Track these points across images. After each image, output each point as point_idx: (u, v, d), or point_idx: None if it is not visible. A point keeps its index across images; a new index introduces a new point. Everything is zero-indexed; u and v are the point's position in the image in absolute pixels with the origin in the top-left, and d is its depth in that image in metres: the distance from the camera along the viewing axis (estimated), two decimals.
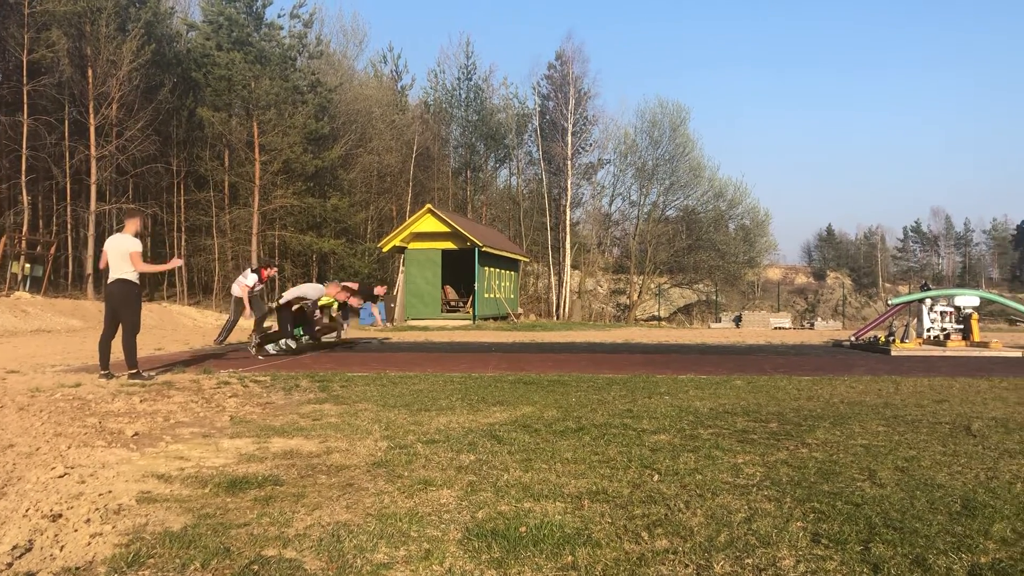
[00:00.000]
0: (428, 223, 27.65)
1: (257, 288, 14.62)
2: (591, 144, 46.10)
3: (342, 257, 35.80)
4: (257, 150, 33.11)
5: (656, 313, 44.94)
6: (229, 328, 14.68)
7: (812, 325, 33.24)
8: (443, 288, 28.82)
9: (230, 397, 7.47)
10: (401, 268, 28.43)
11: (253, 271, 15.10)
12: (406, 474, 4.32)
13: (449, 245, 27.49)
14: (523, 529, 3.31)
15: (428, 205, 28.75)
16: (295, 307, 13.12)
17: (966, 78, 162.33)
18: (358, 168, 39.12)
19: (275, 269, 15.88)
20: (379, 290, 16.00)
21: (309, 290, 13.39)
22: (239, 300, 14.71)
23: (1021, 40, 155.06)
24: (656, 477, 4.25)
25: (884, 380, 9.07)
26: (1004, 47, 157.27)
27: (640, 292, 47.19)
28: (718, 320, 34.24)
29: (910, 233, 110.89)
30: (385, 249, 29.21)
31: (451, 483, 4.11)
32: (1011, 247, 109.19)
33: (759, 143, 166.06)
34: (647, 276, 47.49)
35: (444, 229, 27.40)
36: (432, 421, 6.06)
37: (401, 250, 28.36)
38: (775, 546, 3.09)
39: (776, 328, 29.78)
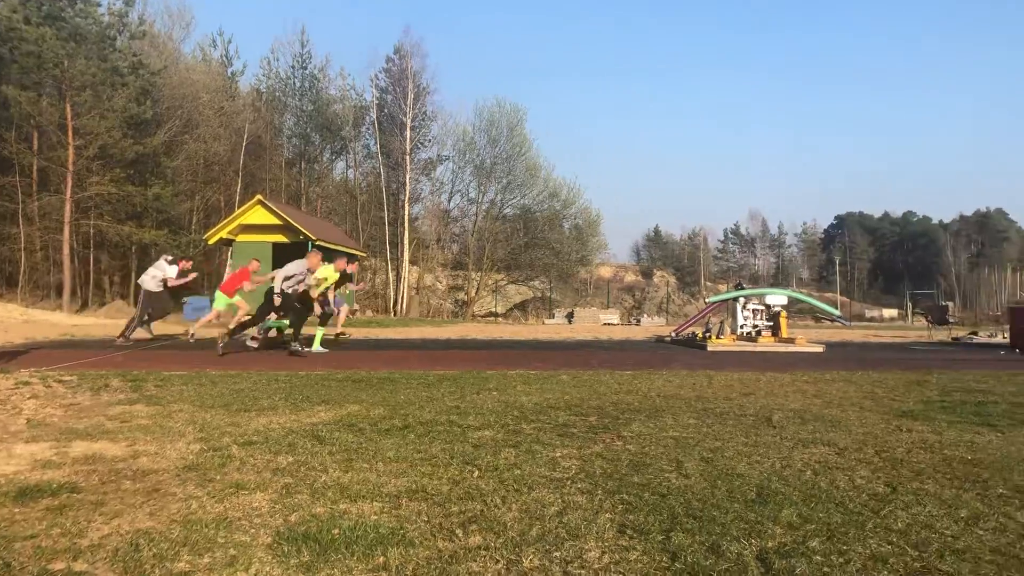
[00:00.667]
0: (258, 215, 26.72)
1: (177, 282, 13.80)
2: (430, 140, 46.07)
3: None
4: (71, 133, 30.86)
5: (493, 309, 45.56)
6: (137, 324, 13.82)
7: (639, 321, 34.65)
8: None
9: (29, 399, 6.93)
10: (229, 261, 27.33)
11: (170, 262, 14.28)
12: (218, 478, 4.15)
13: (280, 238, 26.68)
14: (336, 531, 3.25)
15: (258, 196, 27.77)
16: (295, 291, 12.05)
17: (778, 89, 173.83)
18: (183, 155, 37.24)
19: (190, 261, 14.97)
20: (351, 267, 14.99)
21: (296, 268, 12.17)
22: (152, 294, 13.80)
23: (831, 49, 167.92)
24: (476, 473, 4.29)
25: (699, 375, 9.57)
26: (816, 55, 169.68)
27: (478, 289, 47.62)
28: (552, 316, 35.09)
29: (730, 235, 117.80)
30: (211, 241, 27.98)
31: (265, 486, 3.98)
32: (819, 250, 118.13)
33: (592, 145, 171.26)
34: (485, 273, 47.98)
35: (275, 221, 26.57)
36: (251, 422, 5.85)
37: (229, 243, 27.26)
38: (583, 538, 3.18)
39: (605, 324, 30.85)
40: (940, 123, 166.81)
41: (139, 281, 14.36)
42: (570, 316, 33.81)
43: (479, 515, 3.51)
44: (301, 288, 12.12)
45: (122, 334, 13.64)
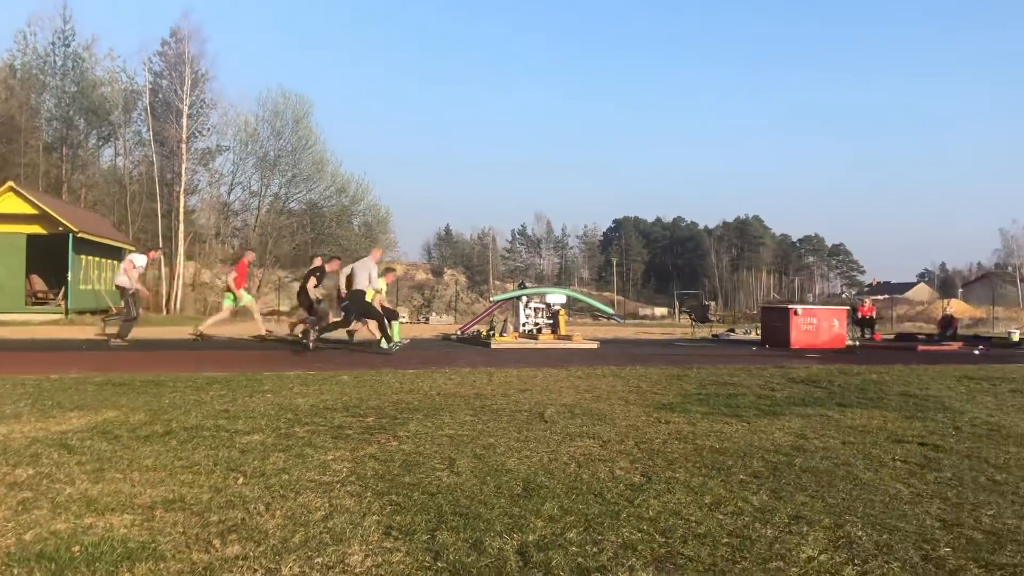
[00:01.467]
0: (10, 203, 24.26)
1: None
2: (209, 128, 43.75)
3: None
4: None
5: (277, 308, 44.07)
6: (131, 323, 14.00)
7: (427, 320, 34.80)
8: (28, 278, 25.48)
9: None
10: None
11: (141, 253, 14.41)
12: None
13: (37, 229, 24.37)
14: (77, 548, 3.00)
15: (10, 183, 25.21)
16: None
17: (554, 98, 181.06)
18: None
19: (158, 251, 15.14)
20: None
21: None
22: (134, 292, 13.89)
23: (608, 63, 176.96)
24: (241, 480, 4.11)
25: (481, 372, 9.74)
26: (593, 67, 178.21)
27: (260, 285, 45.87)
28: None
29: (517, 235, 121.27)
30: None
31: None
32: (598, 251, 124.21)
33: (384, 143, 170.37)
34: (268, 269, 46.32)
35: (31, 211, 24.25)
36: None
37: None
38: (347, 542, 3.13)
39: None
40: (707, 136, 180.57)
41: (119, 283, 14.18)
42: None
43: (240, 524, 3.36)
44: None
45: (118, 335, 13.79)
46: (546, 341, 15.60)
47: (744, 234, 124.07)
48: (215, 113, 43.95)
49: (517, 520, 3.39)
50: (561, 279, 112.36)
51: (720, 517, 3.47)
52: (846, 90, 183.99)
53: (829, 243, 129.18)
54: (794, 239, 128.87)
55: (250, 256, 15.27)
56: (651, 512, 3.53)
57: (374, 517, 3.45)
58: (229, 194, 47.56)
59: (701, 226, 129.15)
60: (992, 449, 5.20)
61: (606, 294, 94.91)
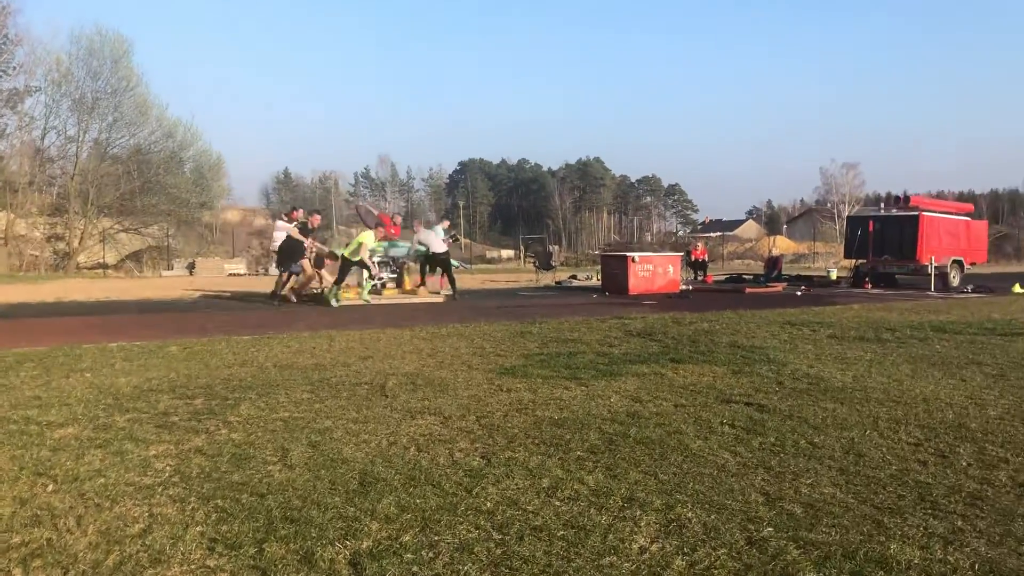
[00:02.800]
0: None
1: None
2: (15, 68, 39.97)
3: None
4: None
5: (102, 260, 41.37)
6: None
7: (267, 271, 33.62)
8: None
9: None
10: None
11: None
12: None
13: None
14: None
15: None
16: None
17: (398, 40, 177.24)
18: None
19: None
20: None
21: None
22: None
23: (450, 7, 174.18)
24: (51, 487, 3.77)
25: (321, 336, 9.46)
26: (433, 10, 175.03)
27: (83, 237, 42.85)
28: (170, 268, 32.72)
29: (361, 179, 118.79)
30: None
31: None
32: (444, 194, 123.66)
33: (210, 82, 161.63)
34: (91, 219, 43.25)
35: None
36: None
37: None
38: (167, 563, 2.91)
39: (231, 275, 29.49)
40: (553, 79, 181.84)
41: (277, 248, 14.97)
42: (191, 267, 31.76)
43: (46, 545, 3.08)
44: None
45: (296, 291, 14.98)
46: (391, 297, 15.38)
47: (586, 175, 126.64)
48: (21, 51, 40.16)
49: (351, 524, 3.27)
50: (408, 223, 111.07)
51: (557, 504, 3.47)
52: (676, 42, 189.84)
53: (665, 183, 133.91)
54: (633, 180, 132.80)
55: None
56: (489, 503, 3.49)
57: (198, 528, 3.24)
58: (43, 139, 43.85)
59: (545, 168, 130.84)
60: (811, 406, 5.50)
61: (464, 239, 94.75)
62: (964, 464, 4.09)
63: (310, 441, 4.58)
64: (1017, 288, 19.10)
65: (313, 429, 4.86)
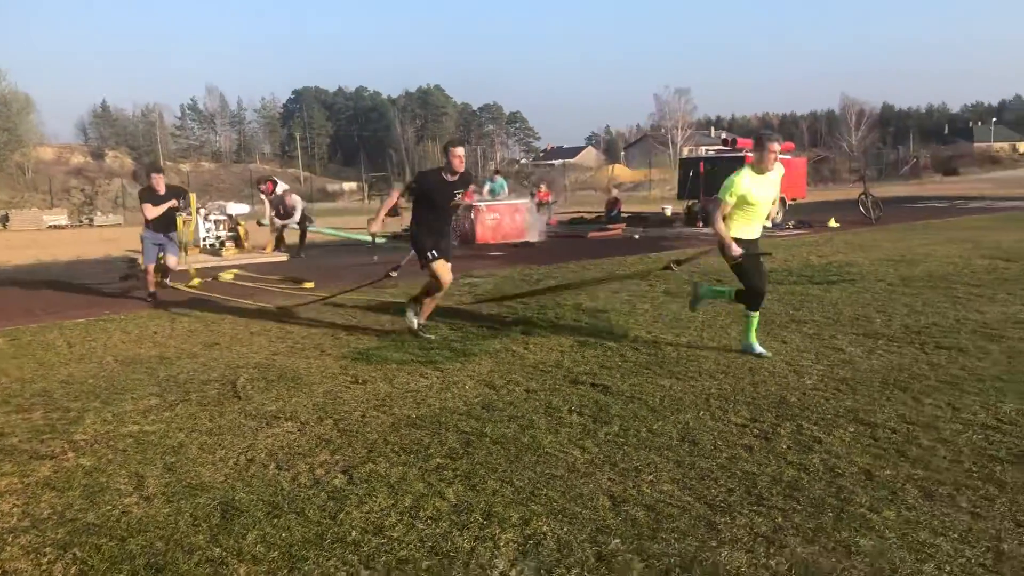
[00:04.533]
0: None
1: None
2: None
3: None
4: None
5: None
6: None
7: (91, 221, 31.61)
8: None
9: None
10: None
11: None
12: None
13: None
14: None
15: None
16: None
17: None
18: None
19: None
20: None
21: None
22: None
23: None
24: None
25: (162, 318, 9.13)
26: None
27: None
28: None
29: (187, 111, 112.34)
30: None
31: None
32: (279, 125, 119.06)
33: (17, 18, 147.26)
34: None
35: None
36: None
37: None
38: None
39: (52, 227, 27.55)
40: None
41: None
42: (4, 220, 29.36)
43: None
44: None
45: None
46: (231, 257, 14.91)
47: (427, 104, 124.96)
48: None
49: (219, 569, 3.31)
50: (240, 156, 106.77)
51: (421, 527, 3.64)
52: None
53: (507, 111, 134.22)
54: (475, 108, 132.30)
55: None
56: (355, 531, 3.61)
57: None
58: None
59: (385, 95, 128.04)
60: (651, 384, 5.88)
61: (291, 171, 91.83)
62: (784, 447, 4.54)
63: (165, 464, 4.52)
64: (832, 222, 20.65)
65: (166, 447, 4.79)
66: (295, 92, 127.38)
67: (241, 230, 15.64)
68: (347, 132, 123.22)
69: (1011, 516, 3.57)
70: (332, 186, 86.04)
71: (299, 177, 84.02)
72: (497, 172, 23.25)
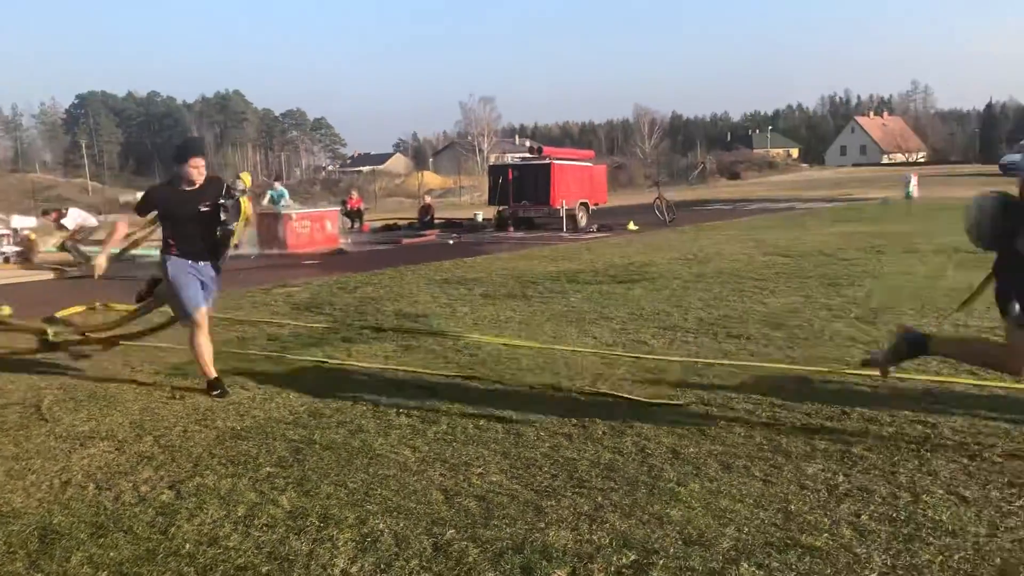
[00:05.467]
0: None
1: None
2: None
3: None
4: None
5: None
6: None
7: None
8: None
9: None
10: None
11: None
12: None
13: None
14: None
15: None
16: None
17: None
18: None
19: None
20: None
21: None
22: None
23: None
24: None
25: None
26: None
27: None
28: None
29: None
30: None
31: None
32: (62, 132, 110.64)
33: None
34: None
35: None
36: None
37: None
38: None
39: None
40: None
41: None
42: None
43: None
44: None
45: None
46: (9, 273, 13.72)
47: (226, 109, 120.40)
48: None
49: None
50: (19, 165, 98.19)
51: (256, 535, 3.65)
52: None
53: (311, 117, 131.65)
54: (277, 113, 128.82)
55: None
56: (188, 545, 3.57)
57: None
58: None
59: (179, 101, 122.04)
60: (473, 383, 6.11)
61: (78, 180, 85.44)
62: (600, 433, 4.88)
63: None
64: (631, 225, 21.88)
65: None
66: (79, 97, 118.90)
67: (31, 243, 14.51)
68: (139, 139, 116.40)
69: (797, 481, 4.05)
70: (124, 196, 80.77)
71: (87, 188, 78.29)
72: (277, 179, 22.80)
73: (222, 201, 5.98)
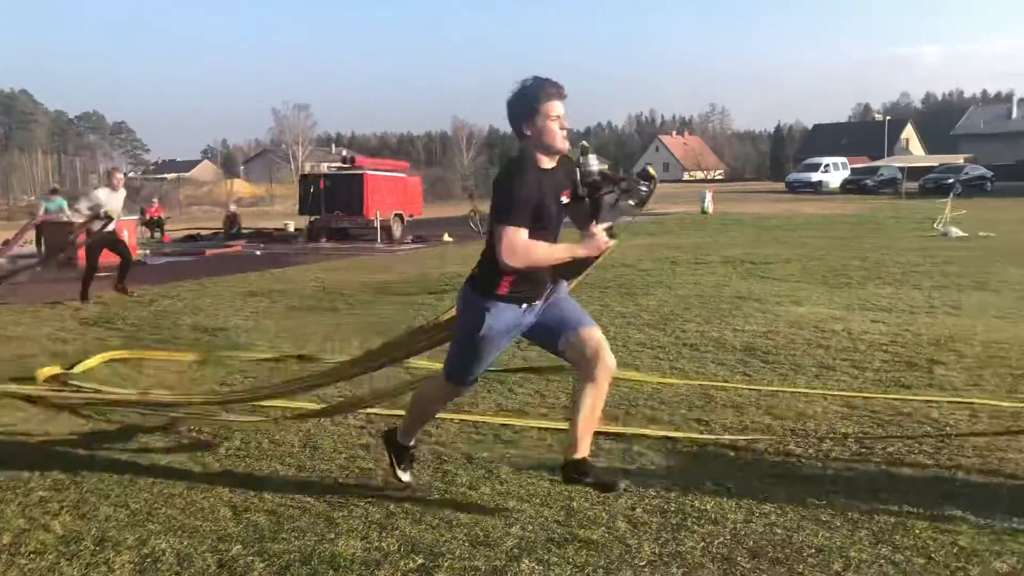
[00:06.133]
0: None
1: None
2: None
3: None
4: None
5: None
6: None
7: None
8: None
9: None
10: None
11: None
12: None
13: None
14: None
15: None
16: None
17: None
18: None
19: None
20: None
21: None
22: None
23: None
24: None
25: None
26: None
27: None
28: None
29: None
30: None
31: None
32: None
33: None
34: None
35: None
36: None
37: None
38: None
39: None
40: None
41: None
42: None
43: None
44: None
45: None
46: None
47: (11, 110, 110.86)
48: None
49: None
50: None
51: (23, 563, 3.42)
52: None
53: (111, 121, 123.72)
54: (71, 116, 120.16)
55: None
56: None
57: None
58: None
59: None
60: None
61: None
62: None
63: None
64: (446, 237, 22.10)
65: None
66: None
67: None
68: None
69: None
70: None
71: None
72: (54, 191, 21.22)
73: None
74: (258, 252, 19.28)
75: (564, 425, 4.59)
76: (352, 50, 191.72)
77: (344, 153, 28.78)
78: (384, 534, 3.65)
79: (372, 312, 9.77)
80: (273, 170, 76.50)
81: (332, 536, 3.64)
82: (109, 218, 10.61)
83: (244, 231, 24.97)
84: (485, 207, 26.99)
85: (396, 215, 23.45)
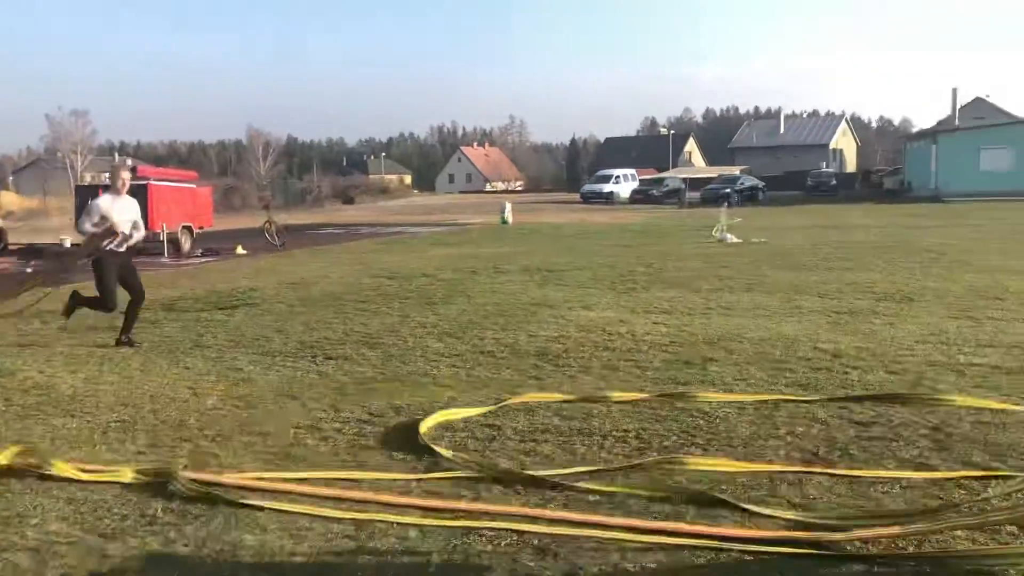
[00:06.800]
0: None
1: None
2: None
3: None
4: None
5: None
6: None
7: None
8: None
9: None
10: None
11: None
12: None
13: None
14: None
15: None
16: None
17: None
18: None
19: None
20: None
21: None
22: None
23: None
24: None
25: None
26: None
27: None
28: None
29: None
30: None
31: None
32: None
33: None
34: None
35: None
36: None
37: None
38: None
39: None
40: None
41: None
42: None
43: None
44: None
45: None
46: None
47: None
48: None
49: None
50: None
51: None
52: None
53: None
54: None
55: None
56: None
57: None
58: None
59: None
60: (41, 425, 5.54)
61: None
62: (183, 466, 4.71)
63: None
64: (239, 249, 21.25)
65: None
66: None
67: None
68: None
69: (372, 490, 4.26)
70: None
71: None
72: None
73: None
74: (29, 270, 17.68)
75: None
76: (136, 55, 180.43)
77: (129, 162, 26.91)
78: (164, 563, 3.47)
79: (156, 331, 9.23)
80: (48, 180, 70.53)
81: (105, 570, 3.43)
82: None
83: (12, 247, 22.85)
84: (284, 218, 26.26)
85: (184, 227, 22.28)
